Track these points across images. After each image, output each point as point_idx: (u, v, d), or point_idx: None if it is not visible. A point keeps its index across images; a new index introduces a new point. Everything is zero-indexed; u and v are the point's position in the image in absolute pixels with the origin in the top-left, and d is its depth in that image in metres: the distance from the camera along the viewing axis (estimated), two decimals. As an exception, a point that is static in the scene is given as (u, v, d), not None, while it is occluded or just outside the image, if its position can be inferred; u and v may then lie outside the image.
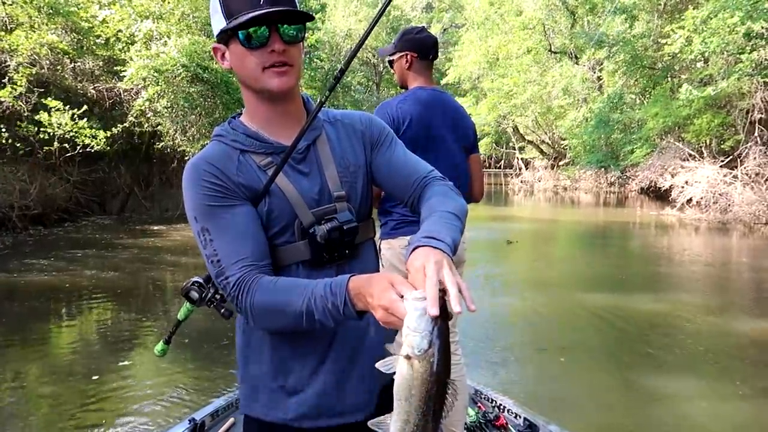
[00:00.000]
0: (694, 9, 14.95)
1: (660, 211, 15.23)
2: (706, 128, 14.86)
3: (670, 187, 15.39)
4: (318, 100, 1.21)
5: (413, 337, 0.84)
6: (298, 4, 1.14)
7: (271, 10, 1.07)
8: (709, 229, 12.15)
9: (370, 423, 0.92)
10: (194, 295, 1.59)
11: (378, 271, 1.33)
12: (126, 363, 4.52)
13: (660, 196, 17.48)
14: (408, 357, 0.85)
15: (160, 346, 1.92)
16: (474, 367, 4.29)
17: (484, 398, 2.65)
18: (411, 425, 0.88)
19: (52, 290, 6.73)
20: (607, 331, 5.41)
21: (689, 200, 14.33)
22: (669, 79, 18.94)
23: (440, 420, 0.91)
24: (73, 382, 4.16)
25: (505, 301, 6.54)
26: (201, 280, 1.59)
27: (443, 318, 0.86)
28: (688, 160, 15.54)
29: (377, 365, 0.90)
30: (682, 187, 14.70)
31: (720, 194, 13.69)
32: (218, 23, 1.13)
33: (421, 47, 2.46)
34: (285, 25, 1.11)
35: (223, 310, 1.56)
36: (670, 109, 15.89)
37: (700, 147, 16.14)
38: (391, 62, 2.54)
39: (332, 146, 1.24)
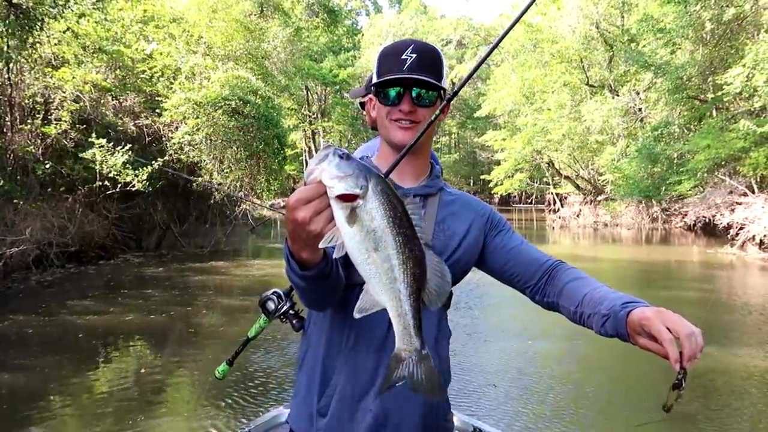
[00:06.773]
0: (748, 42, 14.41)
1: (718, 249, 14.37)
2: (764, 162, 14.12)
3: (728, 224, 14.56)
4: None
5: (348, 180, 0.79)
6: (444, 72, 1.29)
7: (405, 75, 1.25)
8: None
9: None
10: (270, 305, 1.63)
11: (443, 338, 1.38)
12: (160, 409, 4.21)
13: (711, 233, 16.61)
14: (353, 209, 0.80)
15: (222, 367, 1.87)
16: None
17: None
18: (398, 269, 0.83)
19: (86, 331, 6.41)
20: (700, 393, 4.75)
21: (752, 237, 13.49)
22: (715, 111, 18.28)
23: (417, 239, 0.87)
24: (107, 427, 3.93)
25: (553, 349, 5.93)
26: (281, 292, 1.64)
27: None
28: (746, 194, 14.74)
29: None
30: (742, 224, 13.87)
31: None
32: (374, 78, 1.32)
33: None
34: (417, 89, 1.27)
35: (295, 321, 1.61)
36: (722, 140, 15.21)
37: (751, 182, 15.35)
38: (362, 104, 2.52)
39: (440, 209, 1.35)
